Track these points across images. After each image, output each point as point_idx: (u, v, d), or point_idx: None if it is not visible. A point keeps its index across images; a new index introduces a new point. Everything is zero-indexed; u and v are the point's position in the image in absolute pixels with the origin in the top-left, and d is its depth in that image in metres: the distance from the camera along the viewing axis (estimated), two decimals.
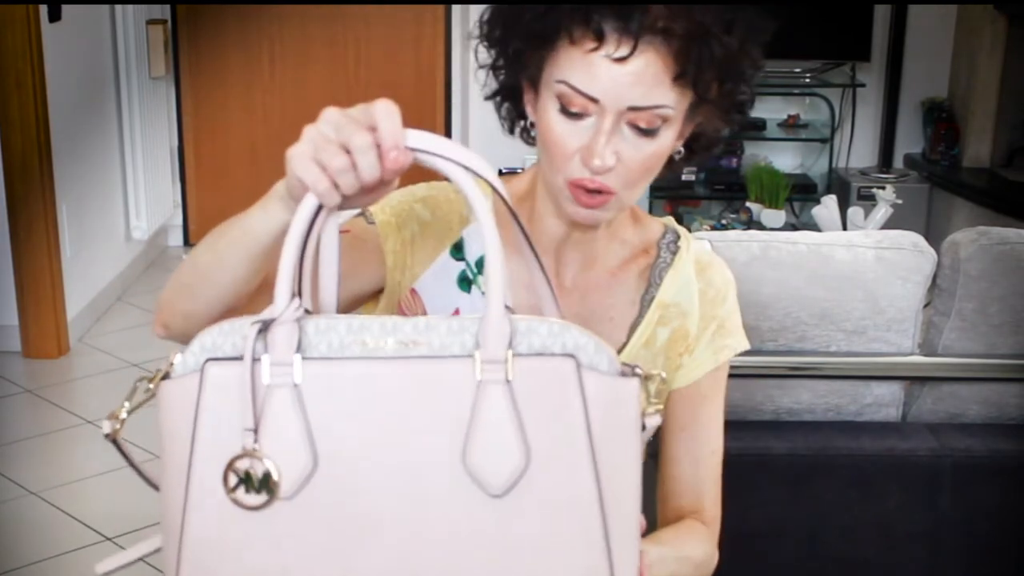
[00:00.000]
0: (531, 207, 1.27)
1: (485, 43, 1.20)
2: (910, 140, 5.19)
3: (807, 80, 5.07)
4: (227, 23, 5.22)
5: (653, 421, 0.90)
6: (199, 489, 0.86)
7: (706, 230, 4.55)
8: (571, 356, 0.86)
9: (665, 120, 1.12)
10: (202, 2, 5.15)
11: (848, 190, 4.90)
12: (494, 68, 1.21)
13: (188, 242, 5.37)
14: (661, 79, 1.10)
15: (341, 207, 0.91)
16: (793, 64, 5.05)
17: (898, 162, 5.20)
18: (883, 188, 3.93)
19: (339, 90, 5.20)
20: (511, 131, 1.26)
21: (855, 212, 3.73)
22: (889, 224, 3.56)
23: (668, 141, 1.15)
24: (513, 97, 1.22)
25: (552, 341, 0.87)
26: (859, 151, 5.21)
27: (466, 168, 0.89)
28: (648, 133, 1.12)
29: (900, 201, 3.87)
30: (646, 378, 0.90)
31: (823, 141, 5.09)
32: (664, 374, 1.21)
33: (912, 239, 2.02)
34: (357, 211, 1.18)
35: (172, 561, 0.88)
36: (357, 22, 5.19)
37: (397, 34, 5.23)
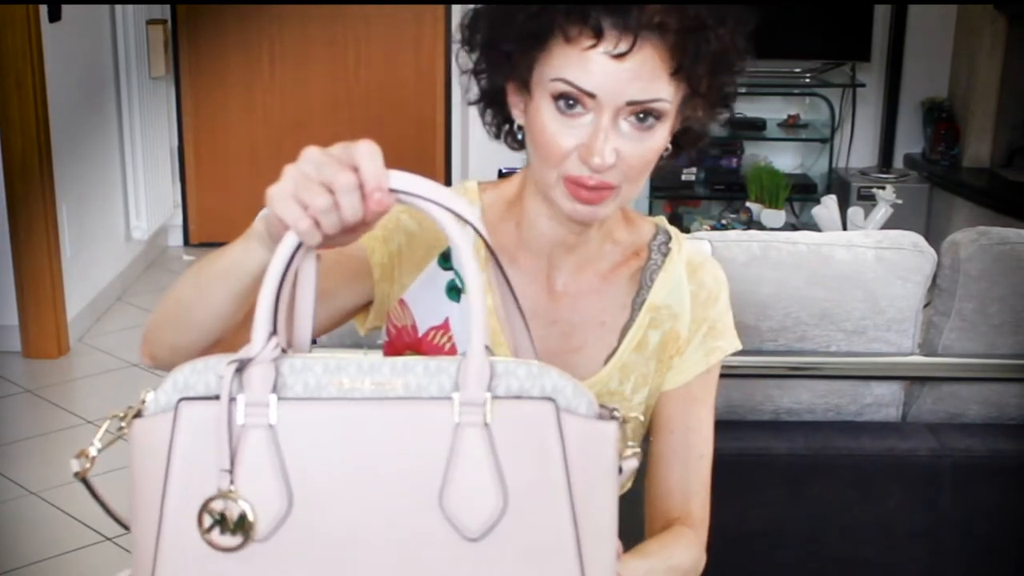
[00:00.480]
0: (521, 211, 1.26)
1: (467, 47, 1.20)
2: (910, 140, 5.19)
3: (807, 80, 5.07)
4: (227, 23, 5.22)
5: (630, 464, 0.90)
6: (172, 529, 0.85)
7: (706, 230, 4.55)
8: (550, 399, 0.86)
9: (661, 115, 1.13)
10: (202, 2, 5.16)
11: (848, 190, 4.90)
12: (476, 72, 1.21)
13: (188, 242, 5.37)
14: (658, 73, 1.10)
15: (320, 246, 0.89)
16: (793, 64, 5.05)
17: (898, 162, 5.20)
18: (883, 188, 3.93)
19: (339, 90, 5.20)
20: (496, 136, 1.25)
21: (855, 212, 3.73)
22: (889, 224, 3.56)
23: (663, 137, 1.15)
24: (497, 101, 1.22)
25: (531, 384, 0.86)
26: (859, 151, 5.21)
27: (448, 210, 0.88)
28: (646, 127, 1.13)
29: (900, 201, 3.87)
30: (624, 421, 0.90)
31: (823, 141, 5.09)
32: (642, 417, 1.23)
33: (912, 239, 2.02)
34: None
35: None
36: (357, 22, 5.19)
37: (397, 34, 5.23)
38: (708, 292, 1.31)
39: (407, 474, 0.84)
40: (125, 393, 3.71)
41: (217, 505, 0.84)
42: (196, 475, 0.84)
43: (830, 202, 3.67)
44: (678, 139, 1.23)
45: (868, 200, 4.44)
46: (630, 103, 1.11)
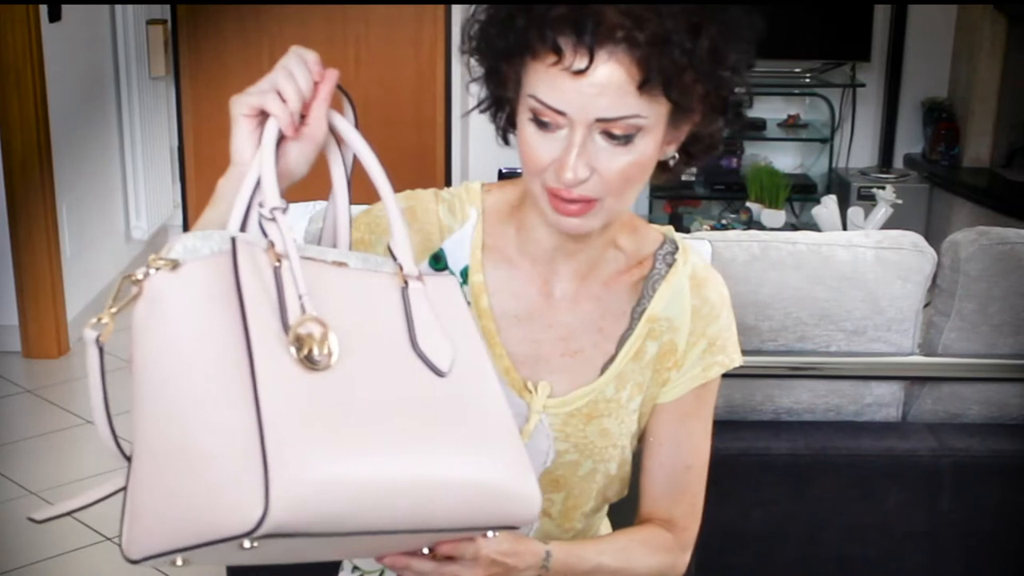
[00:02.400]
0: (522, 216, 1.26)
1: (476, 56, 1.19)
2: (910, 140, 5.19)
3: (807, 80, 5.07)
4: (227, 23, 5.21)
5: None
6: (266, 357, 0.90)
7: (706, 230, 4.55)
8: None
9: (639, 129, 1.10)
10: (202, 2, 5.15)
11: (848, 190, 4.90)
12: (485, 79, 1.21)
13: None
14: (626, 89, 1.08)
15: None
16: (793, 64, 5.05)
17: (898, 162, 5.19)
18: (883, 188, 3.93)
19: (338, 90, 5.19)
20: (506, 142, 1.25)
21: (855, 212, 3.73)
22: (889, 224, 3.56)
23: (649, 149, 1.13)
24: (501, 108, 1.22)
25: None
26: (859, 151, 5.21)
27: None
28: (623, 142, 1.10)
29: (900, 201, 3.86)
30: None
31: (823, 141, 5.09)
32: (636, 426, 1.29)
33: (912, 239, 2.03)
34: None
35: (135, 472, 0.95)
36: (357, 22, 5.18)
37: (397, 34, 5.23)
38: (711, 308, 1.29)
39: (388, 330, 1.03)
40: (125, 393, 3.70)
41: (303, 329, 0.92)
42: (263, 307, 0.93)
43: (830, 202, 3.67)
44: (688, 148, 1.21)
45: (868, 200, 4.44)
46: (600, 120, 1.09)
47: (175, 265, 0.94)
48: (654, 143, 1.13)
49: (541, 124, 1.12)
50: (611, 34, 1.06)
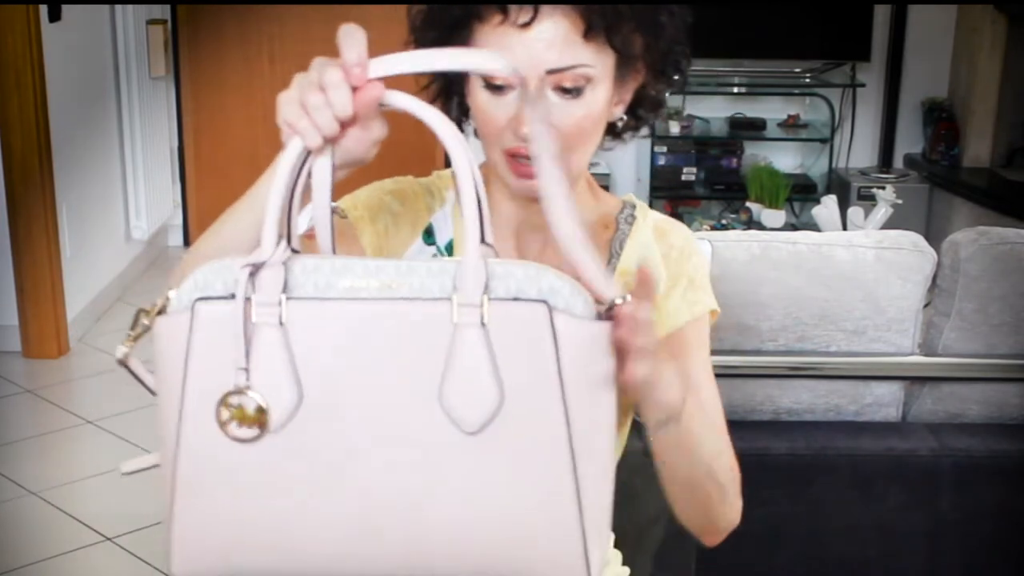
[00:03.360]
0: (487, 198, 1.27)
1: (418, 46, 1.21)
2: (910, 140, 5.19)
3: (807, 80, 5.07)
4: (227, 23, 5.21)
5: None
6: (191, 420, 0.91)
7: (706, 230, 4.55)
8: (543, 301, 0.88)
9: (589, 80, 1.14)
10: (202, 2, 5.15)
11: (848, 190, 4.90)
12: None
13: (188, 242, 5.36)
14: (572, 38, 1.12)
15: (337, 159, 0.96)
16: (793, 64, 5.05)
17: (898, 162, 5.20)
18: (883, 188, 3.92)
19: None
20: (461, 130, 1.27)
21: (855, 212, 3.73)
22: (889, 224, 3.55)
23: (599, 102, 1.16)
24: (452, 94, 1.25)
25: (528, 284, 0.89)
26: (859, 151, 5.21)
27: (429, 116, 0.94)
28: (574, 94, 1.14)
29: (900, 201, 3.86)
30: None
31: (823, 141, 5.09)
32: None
33: (912, 239, 2.03)
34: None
35: (168, 479, 0.93)
36: (357, 22, 5.18)
37: (397, 34, 5.23)
38: (680, 250, 1.30)
39: (409, 370, 0.89)
40: (125, 393, 3.71)
41: (234, 400, 0.89)
42: (213, 370, 0.90)
43: (830, 202, 3.67)
44: (636, 110, 1.25)
45: (868, 200, 4.44)
46: (551, 72, 1.12)
47: (166, 310, 0.94)
48: (604, 96, 1.17)
49: (494, 88, 1.14)
50: None
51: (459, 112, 1.26)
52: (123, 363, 0.97)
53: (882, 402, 2.06)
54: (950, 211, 4.80)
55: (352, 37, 0.96)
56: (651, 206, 4.93)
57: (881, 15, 5.01)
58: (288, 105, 0.93)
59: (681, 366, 1.22)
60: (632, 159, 5.11)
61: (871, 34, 4.97)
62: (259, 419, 0.89)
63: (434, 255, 1.28)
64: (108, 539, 2.89)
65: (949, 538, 2.00)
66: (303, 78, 0.94)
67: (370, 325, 0.89)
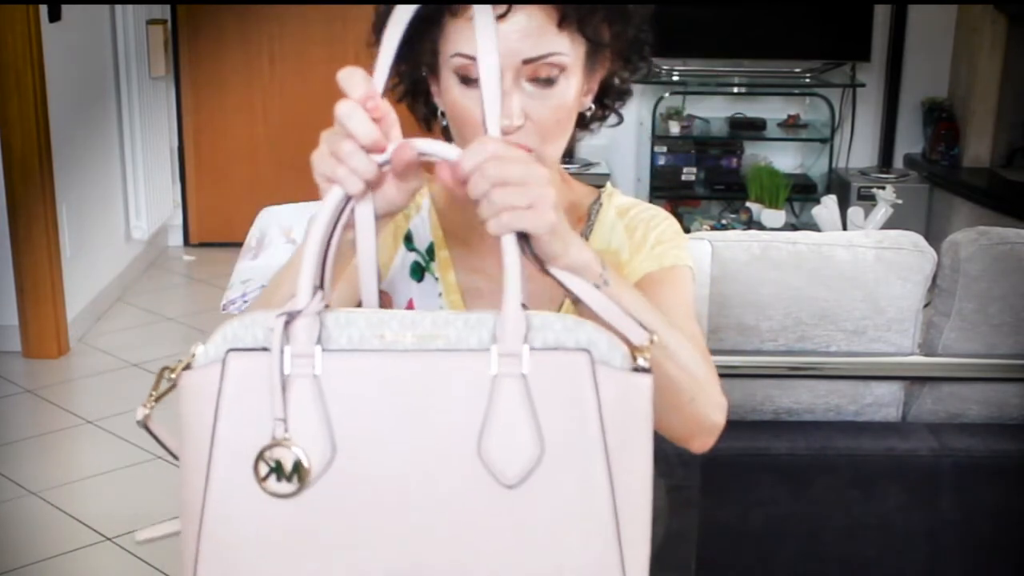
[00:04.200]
0: (464, 196, 1.27)
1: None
2: (910, 140, 5.19)
3: (807, 80, 5.07)
4: (227, 23, 5.22)
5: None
6: (220, 476, 0.88)
7: (706, 230, 4.55)
8: (585, 351, 0.87)
9: (563, 69, 1.14)
10: (202, 2, 5.15)
11: (848, 190, 4.90)
12: (398, 70, 1.22)
13: (188, 242, 5.36)
14: (546, 28, 1.12)
15: (378, 208, 0.94)
16: (793, 64, 5.05)
17: (898, 162, 5.20)
18: (883, 188, 3.92)
19: (339, 90, 5.18)
20: (428, 128, 1.26)
21: (855, 212, 3.73)
22: (889, 224, 3.55)
23: (571, 92, 1.16)
24: (422, 92, 1.24)
25: (566, 336, 0.88)
26: (859, 151, 5.21)
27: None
28: (548, 83, 1.14)
29: (900, 201, 3.86)
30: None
31: (823, 141, 5.09)
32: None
33: (912, 239, 2.03)
34: None
35: (191, 542, 0.90)
36: (357, 22, 5.18)
37: None
38: (643, 221, 1.28)
39: (446, 423, 0.87)
40: (125, 393, 3.71)
41: (274, 453, 0.87)
42: (243, 423, 0.88)
43: (830, 202, 3.66)
44: (603, 99, 1.25)
45: (868, 200, 4.44)
46: (526, 61, 1.12)
47: (191, 365, 0.91)
48: (576, 86, 1.17)
49: (468, 81, 1.14)
50: None
51: (427, 111, 1.25)
52: (144, 425, 0.94)
53: (882, 402, 2.06)
54: (950, 211, 4.80)
55: (353, 77, 0.97)
56: None
57: (881, 15, 5.01)
58: (321, 160, 0.93)
59: (652, 303, 1.15)
60: (632, 159, 5.11)
61: (871, 34, 4.97)
62: (299, 472, 0.86)
63: (414, 261, 1.28)
64: (108, 539, 2.89)
65: (949, 538, 2.00)
66: (328, 133, 0.95)
67: (405, 378, 0.87)
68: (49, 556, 2.84)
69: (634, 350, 0.90)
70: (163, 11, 5.10)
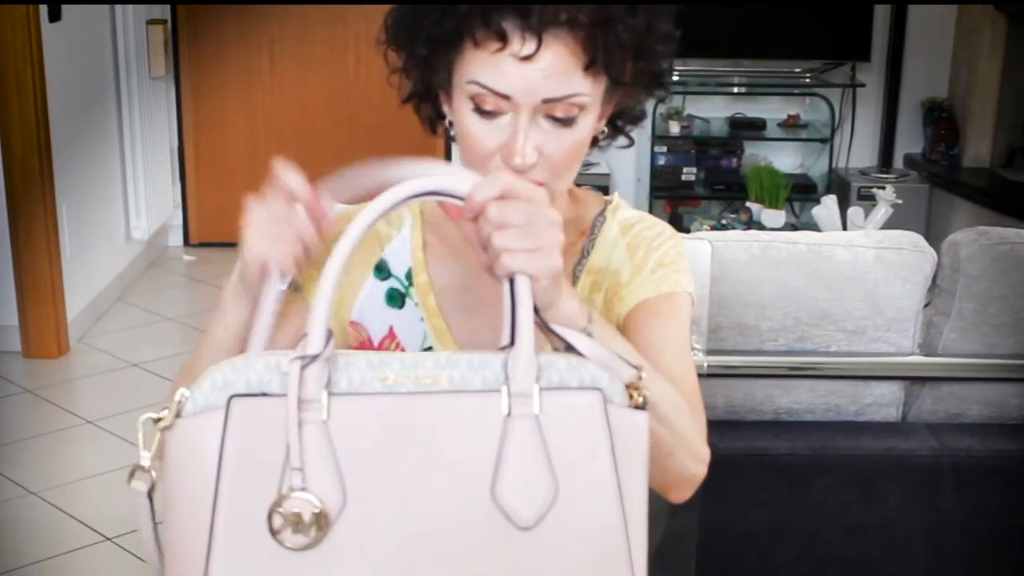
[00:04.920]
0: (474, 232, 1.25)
1: (393, 46, 1.18)
2: (910, 140, 5.19)
3: (807, 80, 5.07)
4: (227, 23, 5.22)
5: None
6: (226, 528, 0.84)
7: (706, 230, 4.55)
8: (597, 389, 0.87)
9: (582, 108, 1.11)
10: (202, 2, 5.16)
11: (848, 190, 4.90)
12: (405, 71, 1.19)
13: (188, 242, 5.36)
14: (572, 70, 1.08)
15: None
16: (793, 64, 5.05)
17: (898, 162, 5.20)
18: (883, 188, 3.92)
19: (339, 90, 5.20)
20: (433, 131, 1.24)
21: (855, 212, 3.73)
22: (889, 224, 3.55)
23: (588, 128, 1.14)
24: (429, 97, 1.21)
25: (570, 375, 0.87)
26: (859, 151, 5.21)
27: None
28: (566, 123, 1.11)
29: (900, 201, 3.86)
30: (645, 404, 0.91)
31: (823, 141, 5.09)
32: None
33: (912, 239, 2.03)
34: None
35: None
36: (357, 22, 5.18)
37: None
38: (646, 241, 1.26)
39: (456, 467, 0.84)
40: (125, 393, 3.71)
41: (290, 505, 0.83)
42: (251, 473, 0.84)
43: (830, 202, 3.66)
44: (615, 122, 1.22)
45: (868, 200, 4.44)
46: (546, 101, 1.09)
47: (181, 412, 0.87)
48: (593, 120, 1.14)
49: (483, 112, 1.11)
50: (555, 17, 1.06)
51: (433, 114, 1.22)
52: (150, 495, 0.89)
53: (882, 402, 2.06)
54: (950, 211, 4.80)
55: (287, 171, 0.99)
56: (651, 206, 4.90)
57: (881, 15, 5.01)
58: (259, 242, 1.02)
59: (645, 334, 1.17)
60: (632, 159, 5.11)
61: (871, 34, 4.97)
62: (319, 523, 0.83)
63: (389, 288, 1.25)
64: (108, 539, 2.89)
65: (949, 538, 2.00)
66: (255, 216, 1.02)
67: (410, 421, 0.85)
68: (49, 556, 2.84)
69: (629, 388, 0.90)
70: (163, 11, 5.10)
